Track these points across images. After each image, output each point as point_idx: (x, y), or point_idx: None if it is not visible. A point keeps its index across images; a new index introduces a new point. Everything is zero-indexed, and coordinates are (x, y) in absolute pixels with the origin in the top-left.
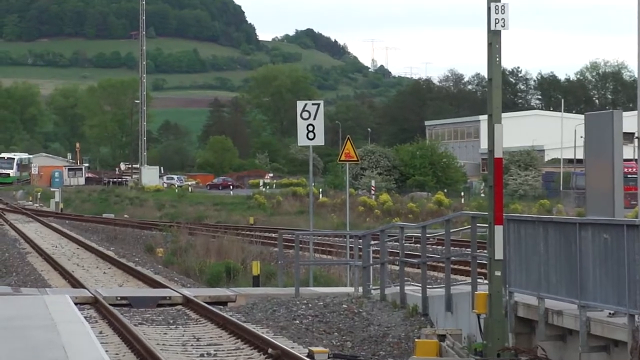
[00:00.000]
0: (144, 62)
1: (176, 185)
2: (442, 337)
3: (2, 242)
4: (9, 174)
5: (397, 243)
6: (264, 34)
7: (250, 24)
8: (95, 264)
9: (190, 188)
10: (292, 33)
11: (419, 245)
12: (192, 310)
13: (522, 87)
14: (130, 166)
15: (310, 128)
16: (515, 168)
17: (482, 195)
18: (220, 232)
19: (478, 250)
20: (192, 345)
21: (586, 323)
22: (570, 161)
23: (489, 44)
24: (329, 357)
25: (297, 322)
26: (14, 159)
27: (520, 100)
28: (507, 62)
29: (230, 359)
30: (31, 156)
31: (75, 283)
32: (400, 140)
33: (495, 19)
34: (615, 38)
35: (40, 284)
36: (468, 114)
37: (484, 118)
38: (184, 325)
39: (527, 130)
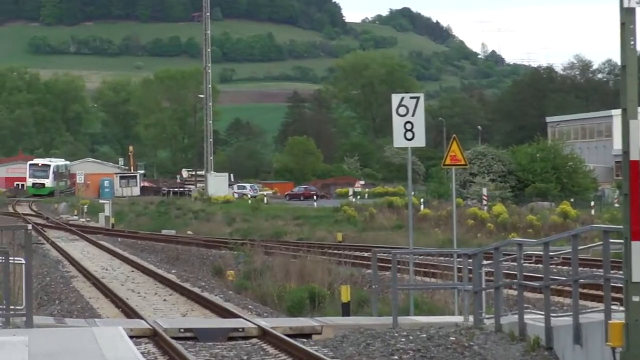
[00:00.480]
0: (209, 49)
1: (249, 196)
2: None
3: (43, 265)
4: (44, 184)
5: (514, 263)
6: (352, 15)
7: (335, 2)
8: (153, 290)
9: (265, 199)
10: (385, 13)
11: (540, 265)
12: (270, 345)
13: None
14: (193, 173)
15: (409, 126)
16: None
17: (617, 205)
18: (303, 251)
19: (612, 271)
20: None
21: None
22: None
23: (622, 24)
24: None
25: (396, 358)
26: (49, 165)
27: None
28: None
29: None
30: (76, 162)
31: (130, 312)
32: (517, 141)
33: None
34: None
35: (89, 313)
36: (598, 108)
37: (617, 113)
38: None
39: None
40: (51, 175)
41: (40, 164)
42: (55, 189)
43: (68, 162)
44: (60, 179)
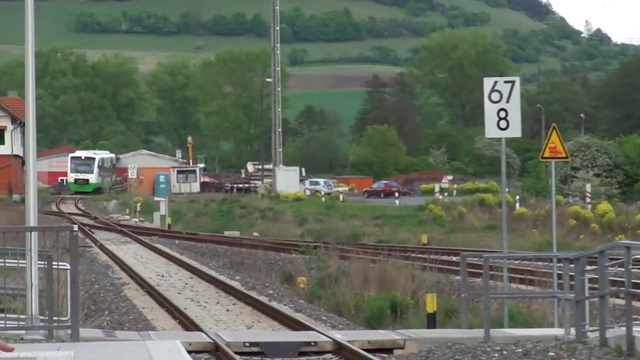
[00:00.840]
0: (278, 27)
1: (322, 193)
2: None
3: (91, 270)
4: (87, 179)
5: (622, 268)
6: None
7: None
8: (215, 299)
9: (341, 196)
10: None
11: None
12: None
13: None
14: (260, 167)
15: (502, 114)
16: None
17: None
18: (383, 255)
19: None
20: None
21: None
22: None
23: None
24: None
25: None
26: (94, 158)
27: None
28: None
29: None
30: (128, 154)
31: (188, 324)
32: (625, 130)
33: None
34: None
35: (142, 325)
36: None
37: None
38: None
39: None
40: (96, 169)
41: (83, 157)
42: (101, 186)
43: (114, 155)
44: (106, 174)
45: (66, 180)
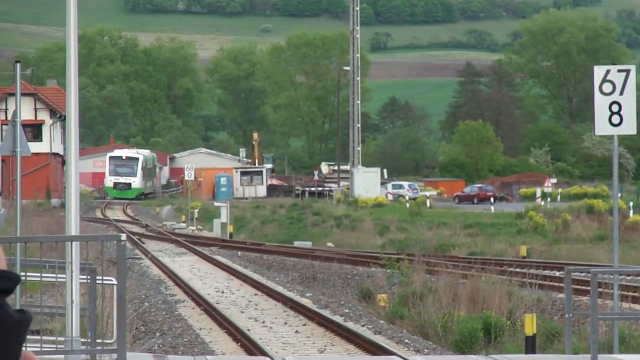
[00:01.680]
0: (358, 8)
1: (407, 197)
2: None
3: (140, 286)
4: (129, 183)
5: None
6: None
7: None
8: (282, 319)
9: (428, 201)
10: None
11: None
12: None
13: None
14: (336, 169)
15: (615, 108)
16: None
17: None
18: (475, 269)
19: None
20: None
21: None
22: None
23: None
24: None
25: None
26: (137, 159)
27: None
28: None
29: None
30: (185, 153)
31: (251, 348)
32: None
33: None
34: None
35: (198, 348)
36: None
37: None
38: None
39: None
40: (139, 172)
41: (124, 157)
42: (144, 191)
43: (155, 155)
44: (149, 177)
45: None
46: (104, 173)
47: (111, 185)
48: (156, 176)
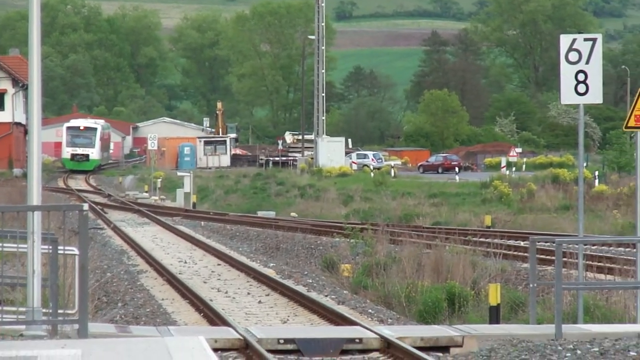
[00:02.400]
0: None
1: (371, 167)
2: None
3: (103, 256)
4: (88, 155)
5: None
6: None
7: None
8: (245, 289)
9: (393, 171)
10: None
11: None
12: None
13: None
14: (300, 138)
15: (581, 77)
16: None
17: None
18: (440, 239)
19: None
20: None
21: None
22: None
23: None
24: None
25: None
26: (95, 129)
27: None
28: None
29: None
30: (148, 122)
31: (214, 318)
32: None
33: None
34: None
35: (161, 319)
36: None
37: None
38: None
39: None
40: (97, 142)
41: (82, 127)
42: (102, 162)
43: (109, 124)
44: (105, 149)
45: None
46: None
47: (68, 156)
48: (111, 147)
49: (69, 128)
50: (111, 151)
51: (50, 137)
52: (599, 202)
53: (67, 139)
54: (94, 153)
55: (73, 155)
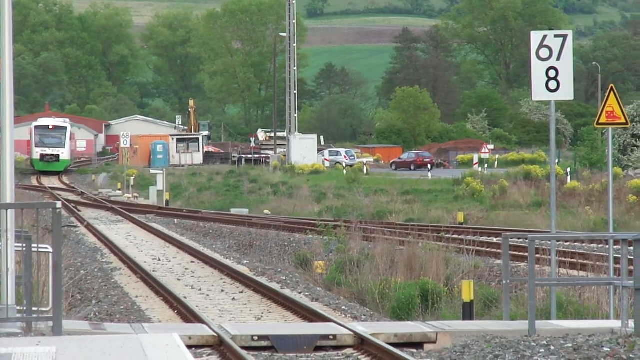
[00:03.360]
0: None
1: (344, 164)
2: None
3: (77, 253)
4: (58, 155)
5: None
6: None
7: None
8: (219, 286)
9: (365, 168)
10: None
11: None
12: (369, 356)
13: None
14: (272, 135)
15: (552, 74)
16: None
17: None
18: (413, 235)
19: None
20: None
21: None
22: None
23: None
24: None
25: None
26: (65, 128)
27: None
28: None
29: None
30: (120, 120)
31: (188, 315)
32: None
33: None
34: None
35: (135, 316)
36: None
37: None
38: None
39: None
40: (67, 142)
41: (51, 126)
42: (70, 163)
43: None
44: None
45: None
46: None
47: (37, 157)
48: (75, 147)
49: (37, 127)
50: (82, 149)
51: (23, 136)
52: (571, 198)
53: (35, 139)
54: (64, 153)
55: (42, 156)
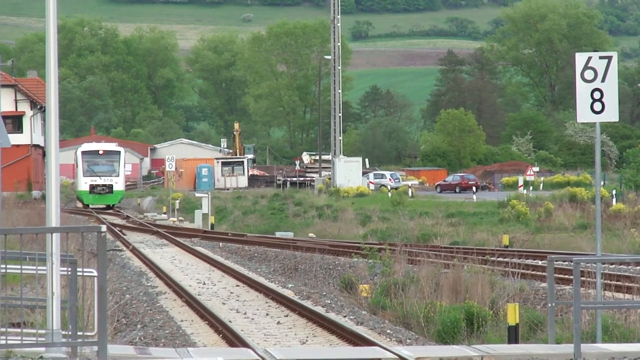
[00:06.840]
0: None
1: (389, 187)
2: None
3: (121, 278)
4: (111, 185)
5: None
6: None
7: None
8: (264, 310)
9: (410, 191)
10: None
11: None
12: None
13: None
14: (317, 158)
15: (597, 95)
16: None
17: None
18: (458, 258)
19: None
20: None
21: None
22: None
23: None
24: None
25: None
26: (119, 153)
27: None
28: None
29: None
30: (165, 144)
31: (233, 339)
32: None
33: None
34: None
35: (180, 340)
36: None
37: None
38: None
39: None
40: (122, 169)
41: (101, 151)
42: (124, 194)
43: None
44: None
45: (75, 188)
46: (74, 171)
47: (86, 189)
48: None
49: (85, 153)
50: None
51: (69, 159)
52: (616, 220)
53: (83, 166)
54: (119, 183)
55: (92, 187)
